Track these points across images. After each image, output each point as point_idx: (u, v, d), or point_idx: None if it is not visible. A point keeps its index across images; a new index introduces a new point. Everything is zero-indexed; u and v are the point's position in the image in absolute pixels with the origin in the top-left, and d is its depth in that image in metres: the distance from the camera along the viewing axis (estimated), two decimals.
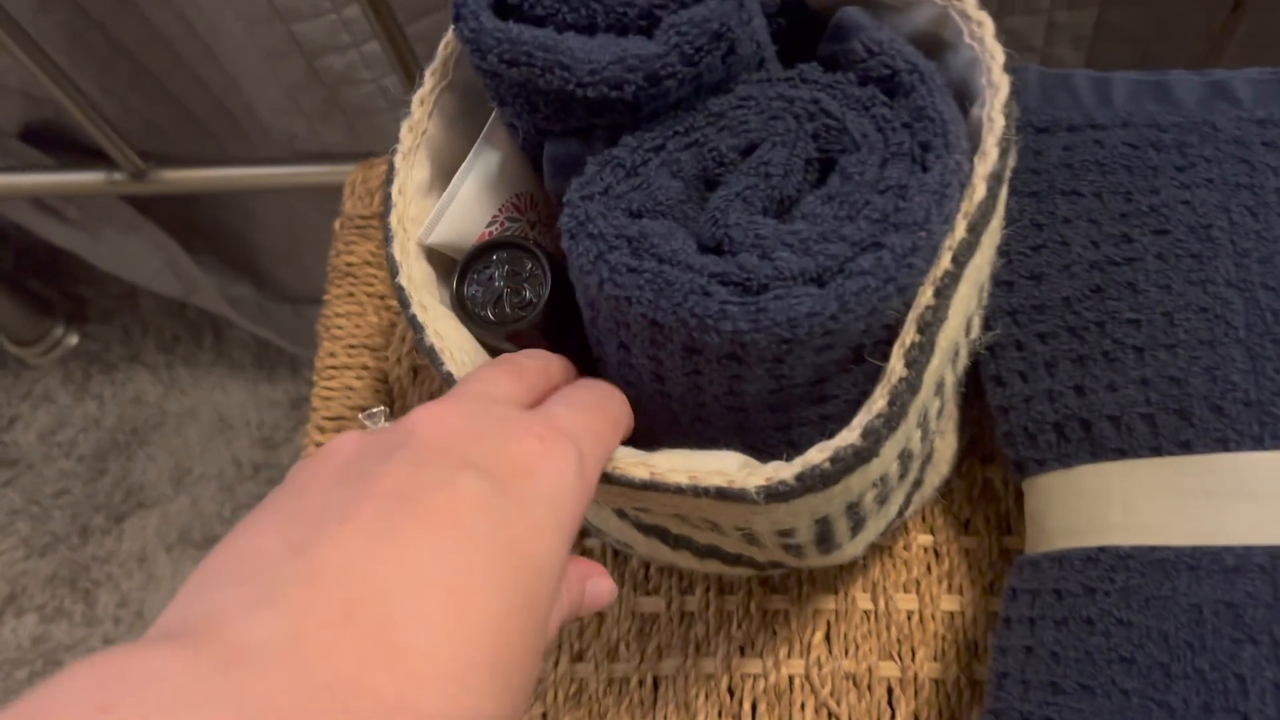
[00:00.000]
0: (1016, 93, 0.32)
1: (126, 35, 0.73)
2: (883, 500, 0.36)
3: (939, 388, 0.33)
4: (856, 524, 0.36)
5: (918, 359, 0.29)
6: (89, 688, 0.17)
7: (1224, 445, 0.36)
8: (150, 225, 0.87)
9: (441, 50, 0.39)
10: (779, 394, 0.32)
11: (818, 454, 0.30)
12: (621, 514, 0.43)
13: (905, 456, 0.34)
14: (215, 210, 0.91)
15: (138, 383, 1.00)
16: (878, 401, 0.29)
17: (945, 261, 0.30)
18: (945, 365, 0.32)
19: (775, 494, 0.30)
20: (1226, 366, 0.36)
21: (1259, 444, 0.36)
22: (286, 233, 0.90)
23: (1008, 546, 0.46)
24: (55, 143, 0.82)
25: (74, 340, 1.02)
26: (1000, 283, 0.41)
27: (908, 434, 0.32)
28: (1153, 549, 0.36)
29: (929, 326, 0.29)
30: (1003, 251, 0.41)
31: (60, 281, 1.05)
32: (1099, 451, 0.39)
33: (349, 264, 0.55)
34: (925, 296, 0.30)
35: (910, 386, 0.29)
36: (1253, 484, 0.35)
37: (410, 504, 0.23)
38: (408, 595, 0.21)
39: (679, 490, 0.30)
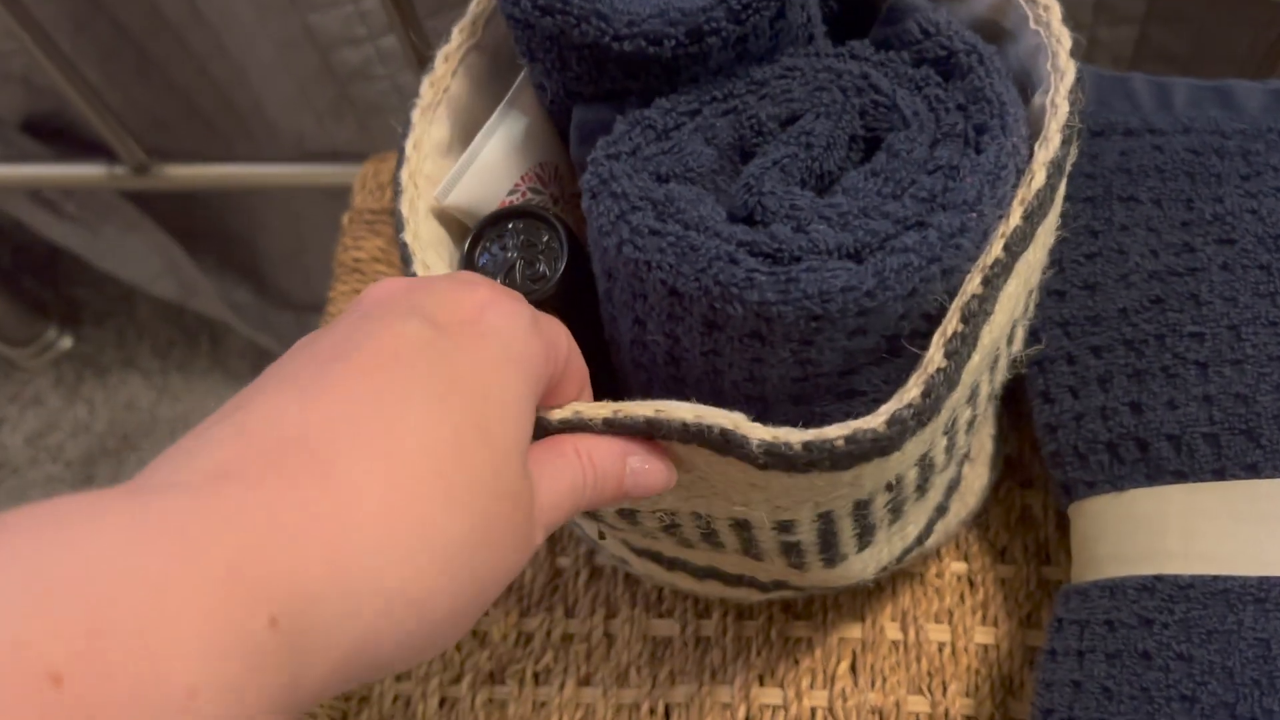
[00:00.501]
0: (1082, 80, 0.30)
1: (134, 23, 0.71)
2: (895, 511, 0.33)
3: (973, 395, 0.31)
4: (864, 531, 0.33)
5: (959, 350, 0.27)
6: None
7: None
8: (151, 224, 0.85)
9: (473, 7, 0.36)
10: (803, 383, 0.30)
11: (835, 430, 0.27)
12: (606, 536, 0.40)
13: (926, 465, 0.32)
14: (219, 211, 0.89)
15: (130, 387, 0.97)
16: (911, 390, 0.27)
17: (997, 249, 0.27)
18: (983, 370, 0.30)
19: (777, 454, 0.26)
20: None
21: None
22: (292, 236, 0.87)
23: (1047, 577, 0.43)
24: (57, 135, 0.80)
25: (67, 343, 1.00)
26: (1051, 292, 0.39)
27: (933, 437, 0.30)
28: (1215, 579, 0.33)
29: (974, 317, 0.27)
30: (1054, 259, 0.39)
31: (56, 282, 1.02)
32: (1156, 474, 0.36)
33: (356, 260, 0.53)
34: (973, 284, 0.27)
35: (948, 380, 0.27)
36: None
37: (347, 355, 0.23)
38: (339, 428, 0.21)
39: (683, 429, 0.27)
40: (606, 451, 0.28)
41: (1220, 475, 0.35)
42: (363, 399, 0.22)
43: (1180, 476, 0.36)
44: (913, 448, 0.28)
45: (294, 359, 0.24)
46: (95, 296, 1.02)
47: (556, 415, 0.28)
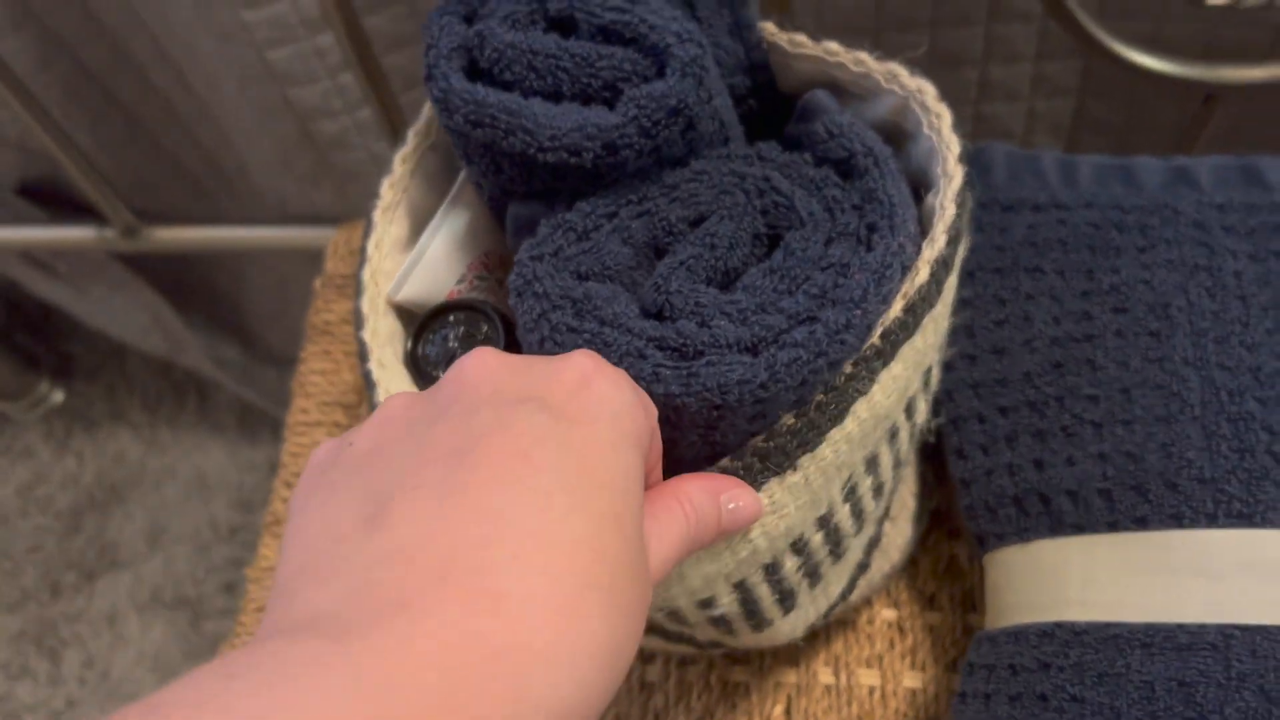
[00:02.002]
0: (970, 184, 0.33)
1: (124, 91, 0.74)
2: (812, 574, 0.36)
3: (870, 464, 0.33)
4: (784, 596, 0.36)
5: (816, 419, 0.30)
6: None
7: (1179, 522, 0.36)
8: (139, 283, 0.88)
9: (426, 111, 0.40)
10: (712, 460, 0.32)
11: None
12: None
13: (832, 531, 0.34)
14: (205, 270, 0.92)
15: (119, 441, 1.00)
16: (754, 439, 0.29)
17: (874, 337, 0.30)
18: (878, 442, 0.33)
19: None
20: (1182, 443, 0.37)
21: (1213, 521, 0.36)
22: (276, 294, 0.90)
23: (971, 624, 0.45)
24: (49, 198, 0.83)
25: (59, 397, 1.02)
26: (964, 355, 0.42)
27: (828, 503, 0.32)
28: (1108, 625, 0.36)
29: (836, 391, 0.30)
30: (966, 326, 0.42)
31: (49, 338, 1.05)
32: (1057, 526, 0.39)
33: (327, 322, 0.55)
34: (846, 367, 0.30)
35: (801, 442, 0.29)
36: (1206, 561, 0.35)
37: (472, 454, 0.23)
38: (493, 544, 0.21)
39: None
40: (704, 494, 0.28)
41: (1114, 528, 0.37)
42: (508, 509, 0.22)
43: (1079, 529, 0.38)
44: (800, 513, 0.30)
45: (409, 450, 0.24)
46: (86, 352, 1.05)
47: None
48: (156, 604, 0.93)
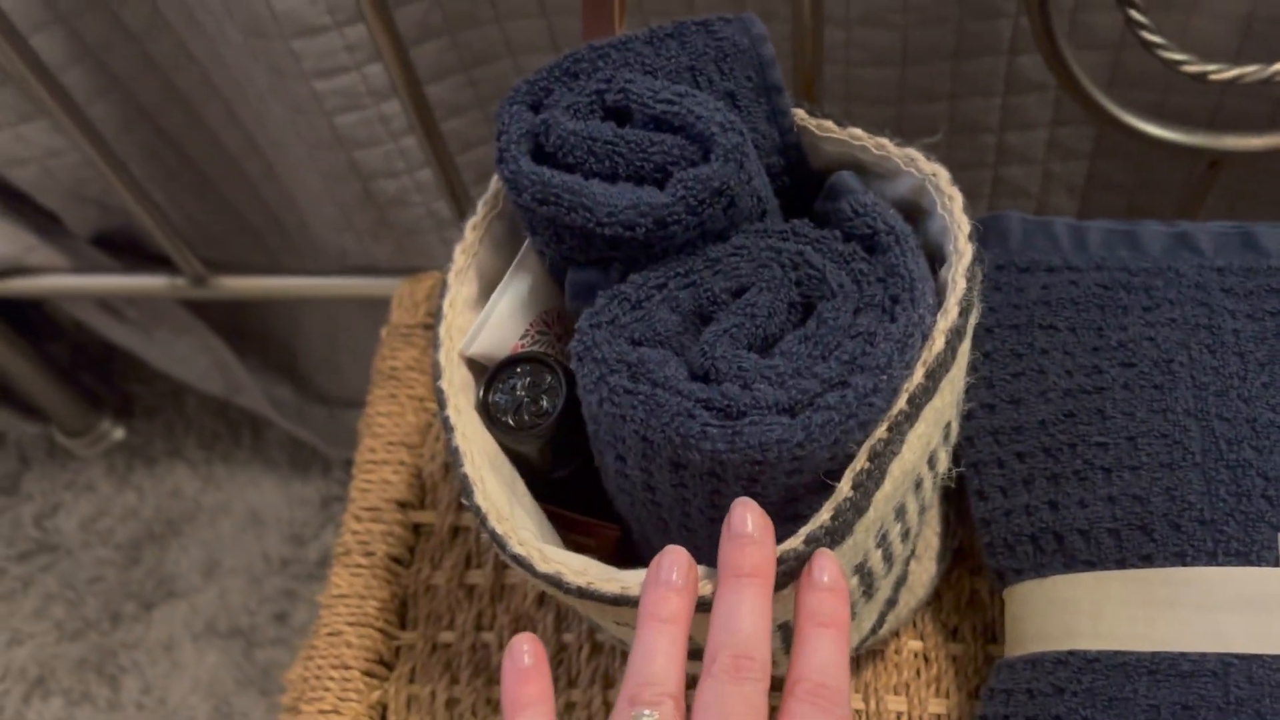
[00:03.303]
0: (980, 259, 0.37)
1: (197, 151, 0.80)
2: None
3: (900, 513, 0.37)
4: None
5: (865, 484, 0.34)
6: None
7: (1182, 560, 0.40)
8: (202, 327, 0.93)
9: (494, 183, 0.44)
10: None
11: None
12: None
13: (867, 575, 0.38)
14: (262, 315, 0.97)
15: (176, 476, 1.05)
16: (823, 515, 0.34)
17: (901, 402, 0.34)
18: (905, 493, 0.36)
19: None
20: (1184, 488, 0.40)
21: (1213, 559, 0.39)
22: (329, 339, 0.95)
23: (992, 654, 0.49)
24: (121, 247, 0.89)
25: (119, 434, 1.07)
26: (983, 405, 0.46)
27: (864, 552, 0.36)
28: (1117, 653, 0.39)
29: (879, 457, 0.34)
30: (986, 378, 0.46)
31: (111, 378, 1.10)
32: (1071, 563, 0.42)
33: (393, 368, 0.60)
34: (879, 430, 0.34)
35: (856, 507, 0.33)
36: (1207, 596, 0.39)
37: None
38: None
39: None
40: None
41: (1122, 565, 0.41)
42: None
43: (1090, 565, 0.42)
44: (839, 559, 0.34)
45: None
46: (146, 392, 1.10)
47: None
48: (211, 633, 0.97)
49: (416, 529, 0.56)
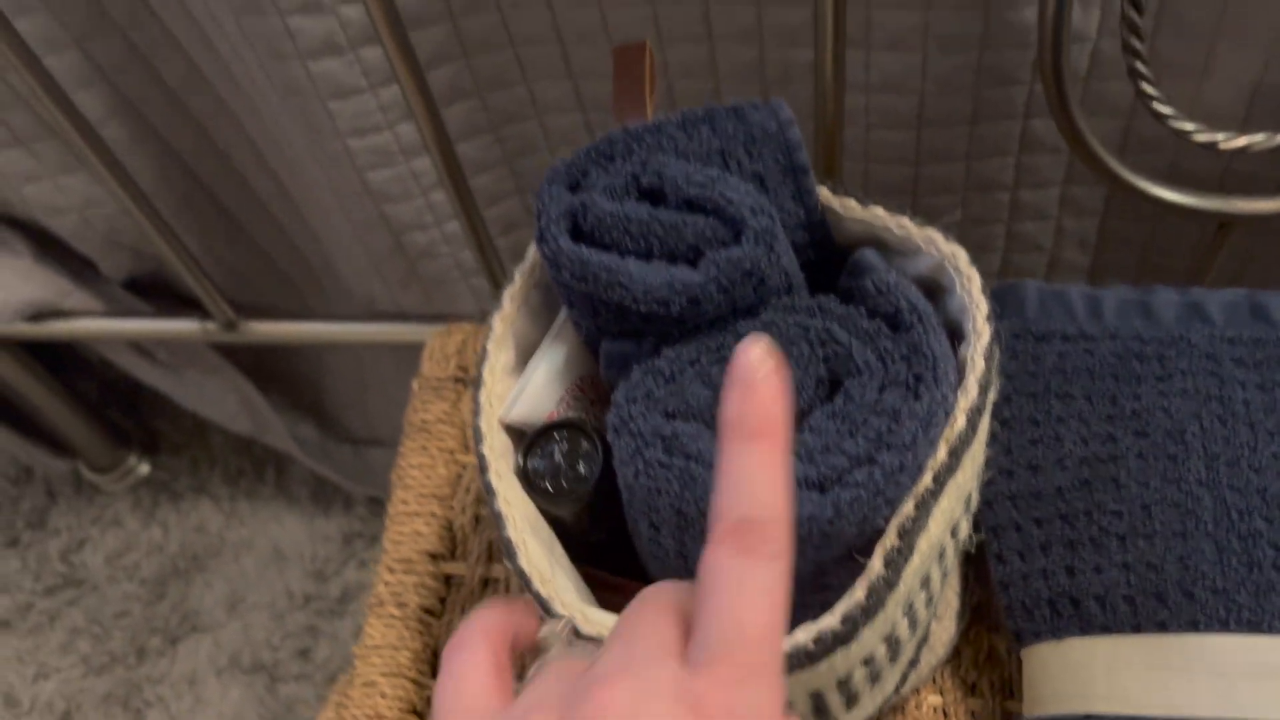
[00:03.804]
0: (998, 338, 0.39)
1: (230, 199, 0.82)
2: (875, 679, 0.41)
3: (925, 582, 0.39)
4: (850, 699, 0.41)
5: (895, 560, 0.35)
6: None
7: (1195, 627, 0.41)
8: (230, 368, 0.95)
9: (530, 254, 0.46)
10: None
11: (803, 634, 0.35)
12: None
13: (893, 642, 0.39)
14: (290, 355, 0.99)
15: (201, 512, 1.07)
16: (857, 593, 0.35)
17: (927, 479, 0.36)
18: (930, 564, 0.38)
19: None
20: (1197, 557, 0.42)
21: (1225, 627, 0.40)
22: (355, 380, 0.97)
23: (1009, 709, 0.50)
24: (153, 288, 0.91)
25: (145, 470, 1.09)
26: (1002, 471, 0.47)
27: (892, 622, 0.38)
28: (1131, 718, 0.41)
29: (908, 534, 0.35)
30: (1004, 444, 0.47)
31: (138, 414, 1.12)
32: (1087, 627, 0.44)
33: (424, 420, 0.62)
34: (907, 508, 0.35)
35: (887, 583, 0.35)
36: (1219, 663, 0.40)
37: None
38: None
39: None
40: None
41: (1137, 630, 0.42)
42: None
43: (1106, 630, 0.43)
44: (870, 634, 0.36)
45: None
46: (172, 428, 1.12)
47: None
48: (235, 668, 0.98)
49: (448, 580, 0.58)
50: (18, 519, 1.08)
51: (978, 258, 0.43)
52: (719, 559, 0.26)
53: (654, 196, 0.42)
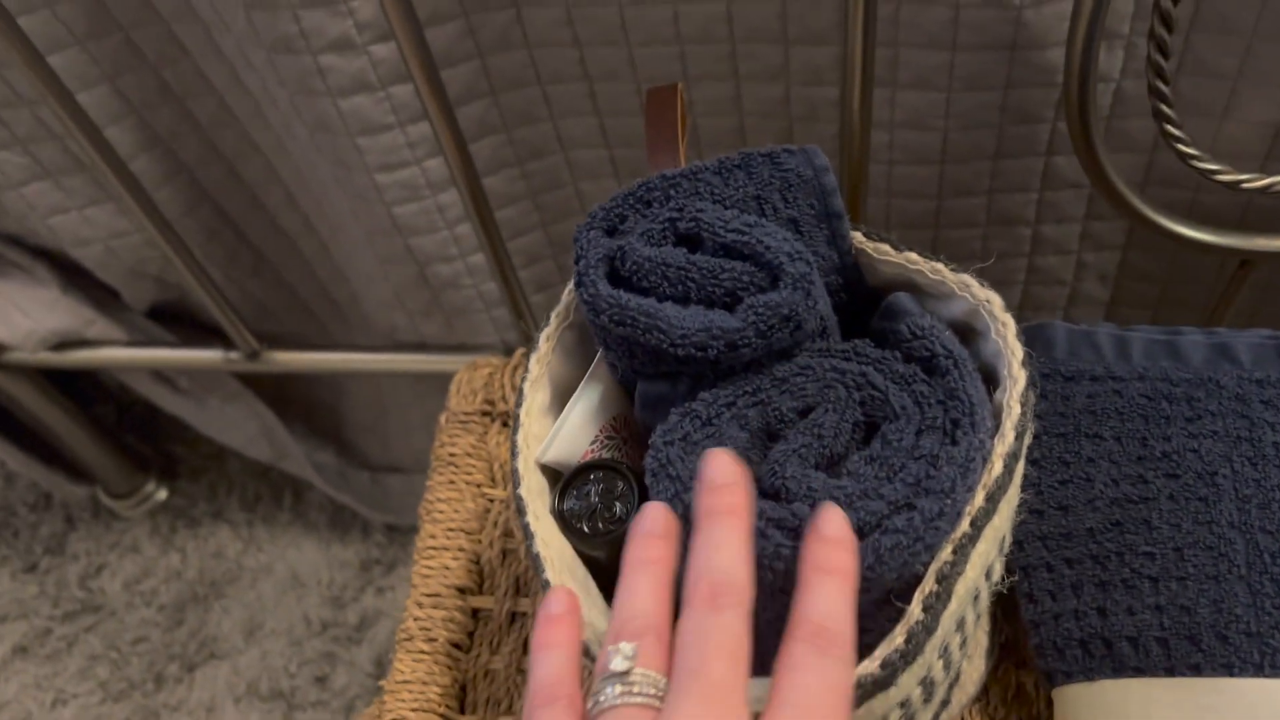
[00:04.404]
0: (1033, 383, 0.39)
1: (255, 232, 0.82)
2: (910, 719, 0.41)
3: (960, 625, 0.39)
4: None
5: (934, 605, 0.35)
6: None
7: (1229, 670, 0.41)
8: (250, 395, 0.95)
9: (566, 296, 0.47)
10: None
11: None
12: None
13: (928, 684, 0.40)
14: (310, 382, 0.99)
15: (219, 538, 1.07)
16: (897, 638, 0.35)
17: (964, 525, 0.36)
18: (965, 607, 0.38)
19: None
20: (1230, 600, 0.42)
21: (1260, 671, 0.41)
22: (374, 407, 0.98)
23: None
24: (175, 317, 0.92)
25: (163, 495, 1.10)
26: (1033, 511, 0.47)
27: (928, 665, 0.38)
28: None
29: (946, 579, 0.35)
30: (1034, 484, 0.48)
31: (156, 439, 1.13)
32: (1119, 668, 0.44)
33: (451, 454, 0.62)
34: (945, 553, 0.36)
35: (926, 628, 0.35)
36: (1254, 707, 0.40)
37: None
38: None
39: None
40: None
41: (1170, 672, 0.42)
42: None
43: (1139, 672, 0.43)
44: (908, 678, 0.36)
45: None
46: (190, 453, 1.12)
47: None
48: (252, 695, 0.99)
49: (475, 614, 0.58)
50: (36, 544, 1.09)
51: (999, 290, 0.43)
52: (693, 618, 0.32)
53: (691, 242, 0.42)
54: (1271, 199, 0.63)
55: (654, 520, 0.35)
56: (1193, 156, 0.55)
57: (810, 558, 0.33)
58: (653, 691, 0.31)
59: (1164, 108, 0.53)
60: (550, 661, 0.33)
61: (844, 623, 0.32)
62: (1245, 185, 0.56)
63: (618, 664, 0.31)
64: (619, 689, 0.31)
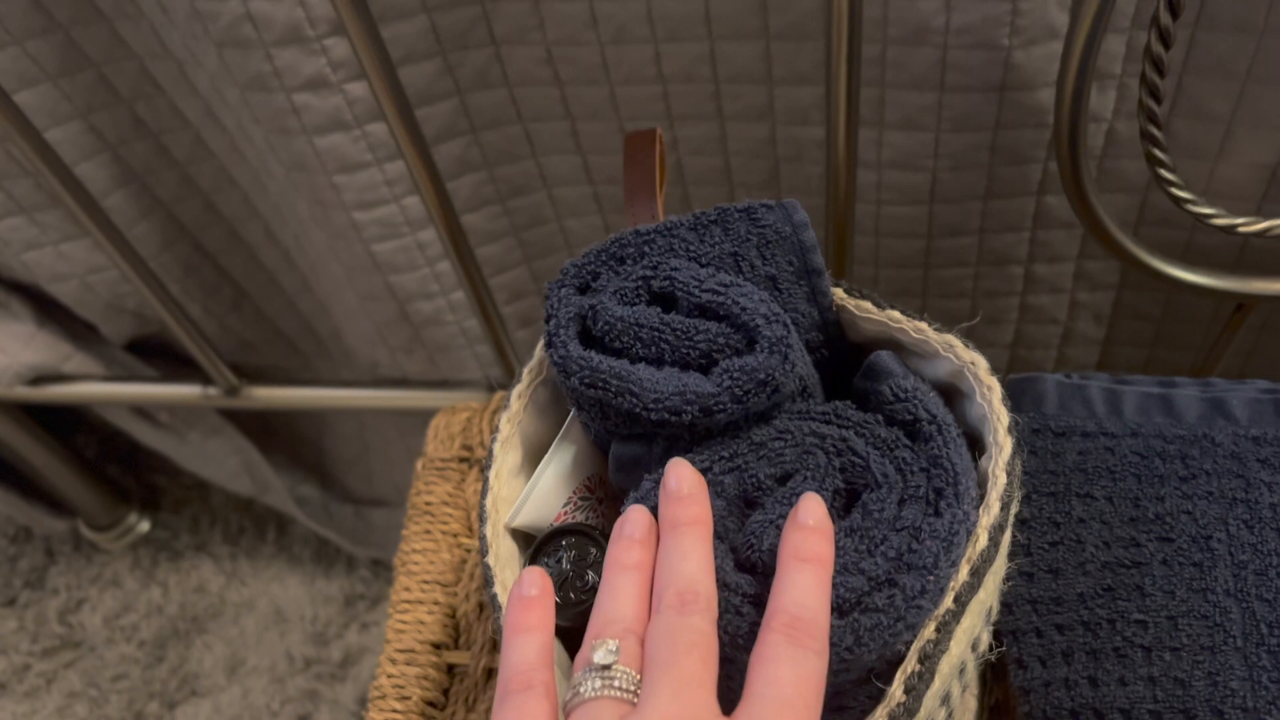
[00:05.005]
0: (1019, 450, 0.37)
1: (234, 267, 0.81)
2: None
3: (945, 699, 0.37)
4: None
5: (916, 686, 0.34)
6: None
7: None
8: (231, 429, 0.94)
9: (537, 351, 0.45)
10: None
11: None
12: None
13: None
14: (291, 417, 0.98)
15: (201, 572, 1.05)
16: (878, 718, 0.34)
17: (948, 601, 0.34)
18: (950, 683, 0.37)
19: None
20: (1226, 673, 0.40)
21: None
22: (357, 441, 0.96)
23: None
24: (155, 350, 0.90)
25: (145, 527, 1.08)
26: (1022, 573, 0.46)
27: None
28: None
29: (929, 658, 0.34)
30: (1024, 545, 0.46)
31: (138, 470, 1.11)
32: None
33: (428, 503, 0.60)
34: (928, 631, 0.34)
35: (908, 710, 0.34)
36: None
37: None
38: None
39: None
40: None
41: None
42: None
43: None
44: None
45: None
46: (172, 485, 1.11)
47: None
48: None
49: (451, 670, 0.56)
50: (15, 578, 1.07)
51: (991, 330, 0.42)
52: (661, 622, 0.34)
53: (665, 301, 0.41)
54: (1269, 240, 0.62)
55: (636, 525, 0.37)
56: (1187, 200, 0.54)
57: (788, 545, 0.34)
58: (630, 687, 0.32)
59: (1157, 152, 0.52)
60: (524, 646, 0.34)
61: (818, 612, 0.33)
62: (1241, 229, 0.55)
63: (602, 657, 0.33)
64: (599, 682, 0.32)
